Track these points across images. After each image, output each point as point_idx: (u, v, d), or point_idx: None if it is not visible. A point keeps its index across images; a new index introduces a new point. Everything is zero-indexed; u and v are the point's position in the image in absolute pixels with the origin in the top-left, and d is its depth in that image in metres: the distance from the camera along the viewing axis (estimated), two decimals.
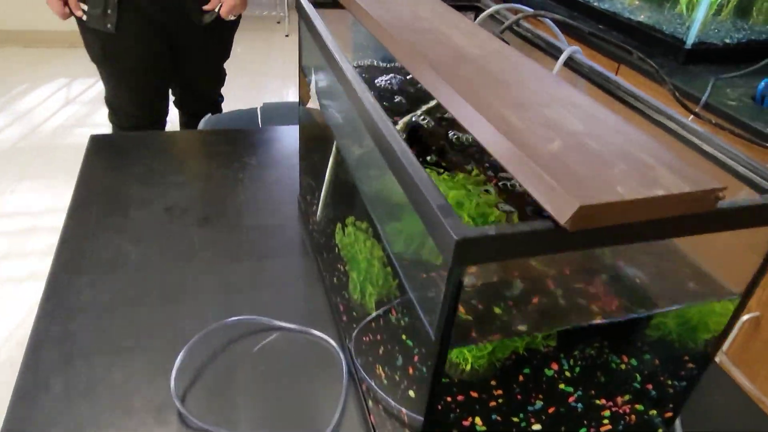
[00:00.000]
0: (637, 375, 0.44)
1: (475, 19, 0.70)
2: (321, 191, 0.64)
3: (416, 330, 0.37)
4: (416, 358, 0.38)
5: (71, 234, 0.67)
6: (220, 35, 1.22)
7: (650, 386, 0.45)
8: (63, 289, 0.60)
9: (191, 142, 0.91)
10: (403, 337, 0.41)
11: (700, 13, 0.96)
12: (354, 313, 0.54)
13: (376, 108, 0.38)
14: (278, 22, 4.06)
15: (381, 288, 0.46)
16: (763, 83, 0.88)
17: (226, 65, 1.31)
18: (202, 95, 1.33)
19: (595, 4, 1.24)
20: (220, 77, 1.34)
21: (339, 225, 0.57)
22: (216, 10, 1.10)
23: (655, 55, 1.04)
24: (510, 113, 0.34)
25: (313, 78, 0.64)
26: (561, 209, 0.27)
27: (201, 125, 0.97)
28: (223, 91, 1.35)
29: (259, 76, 3.30)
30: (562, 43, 0.57)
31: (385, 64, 0.67)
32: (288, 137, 0.93)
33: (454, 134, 0.53)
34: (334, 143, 0.59)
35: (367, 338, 0.51)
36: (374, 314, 0.48)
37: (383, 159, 0.35)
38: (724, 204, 0.30)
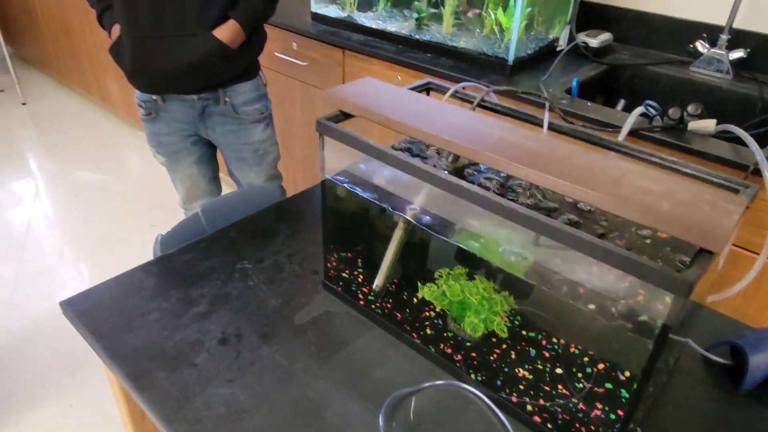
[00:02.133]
0: None
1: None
2: (377, 264, 0.76)
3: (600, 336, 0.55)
4: (546, 340, 0.56)
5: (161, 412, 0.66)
6: None
7: None
8: None
9: (170, 270, 0.89)
10: (527, 333, 0.59)
11: (514, 36, 1.28)
12: (467, 343, 0.69)
13: (525, 209, 0.54)
14: (2, 91, 3.49)
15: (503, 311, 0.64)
16: (574, 81, 1.24)
17: None
18: None
19: (417, 36, 1.49)
20: None
21: (428, 285, 0.71)
22: None
23: (487, 73, 1.34)
24: (623, 191, 0.54)
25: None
26: (713, 244, 0.48)
27: (156, 248, 0.94)
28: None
29: (26, 158, 2.84)
30: (511, 105, 0.78)
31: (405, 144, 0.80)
32: (253, 232, 0.97)
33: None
34: (399, 224, 0.71)
35: (494, 356, 0.67)
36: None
37: (565, 239, 0.52)
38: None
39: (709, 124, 1.07)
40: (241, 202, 1.05)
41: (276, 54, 1.82)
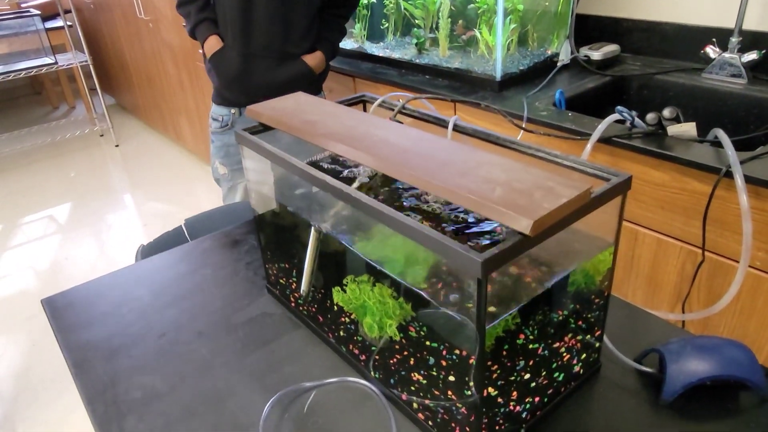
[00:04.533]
0: (571, 319, 0.67)
1: (364, 109, 0.90)
2: (303, 271, 0.79)
3: (451, 329, 0.55)
4: (446, 351, 0.56)
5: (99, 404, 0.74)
6: None
7: (581, 322, 0.68)
8: None
9: (144, 275, 0.99)
10: (430, 343, 0.59)
11: (498, 55, 1.29)
12: (372, 348, 0.71)
13: (386, 208, 0.56)
14: (101, 135, 3.95)
15: (400, 316, 0.64)
16: (557, 93, 1.22)
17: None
18: None
19: (417, 61, 1.54)
20: None
21: (336, 288, 0.73)
22: None
23: (477, 89, 1.35)
24: (463, 181, 0.55)
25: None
26: (524, 226, 0.47)
27: (138, 256, 1.05)
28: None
29: (112, 191, 3.19)
30: (438, 114, 0.80)
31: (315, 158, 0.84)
32: (224, 243, 1.05)
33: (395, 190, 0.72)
34: (311, 232, 0.75)
35: (394, 360, 0.68)
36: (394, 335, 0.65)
37: (405, 232, 0.53)
38: (595, 193, 0.53)
39: (689, 128, 1.01)
40: (223, 216, 1.14)
41: None
